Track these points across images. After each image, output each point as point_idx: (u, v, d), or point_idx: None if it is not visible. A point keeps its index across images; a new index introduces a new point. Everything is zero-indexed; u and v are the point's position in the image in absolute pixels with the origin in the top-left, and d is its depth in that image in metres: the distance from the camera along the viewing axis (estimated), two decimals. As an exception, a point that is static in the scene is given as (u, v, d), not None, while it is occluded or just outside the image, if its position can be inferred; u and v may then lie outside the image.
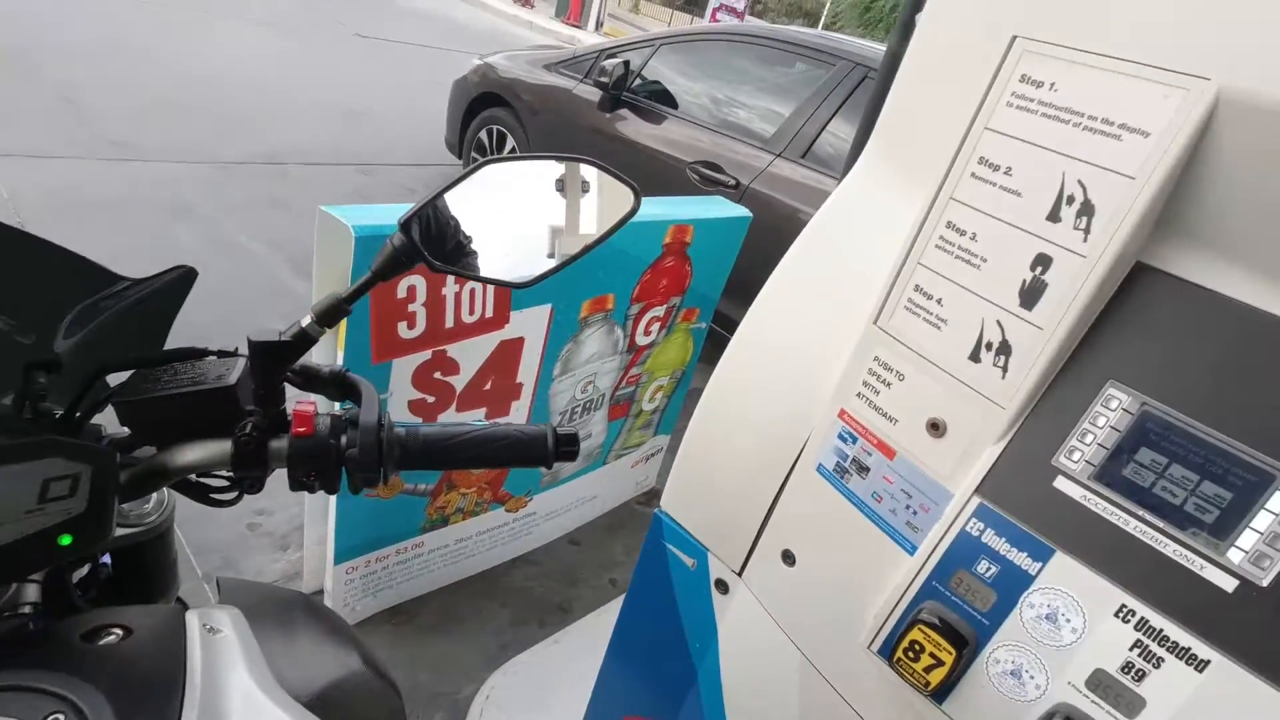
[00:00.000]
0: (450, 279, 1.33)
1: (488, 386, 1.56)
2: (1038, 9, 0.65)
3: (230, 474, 0.58)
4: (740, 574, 1.05)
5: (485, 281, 0.65)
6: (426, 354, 1.39)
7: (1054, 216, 0.64)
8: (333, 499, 1.51)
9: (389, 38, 8.62)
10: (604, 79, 3.45)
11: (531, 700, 1.71)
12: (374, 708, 0.59)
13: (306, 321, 0.56)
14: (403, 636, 1.77)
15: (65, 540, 0.47)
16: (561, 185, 0.72)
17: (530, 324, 1.56)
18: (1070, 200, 0.63)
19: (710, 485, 1.08)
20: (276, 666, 0.51)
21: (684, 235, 1.78)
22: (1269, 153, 0.54)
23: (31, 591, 0.59)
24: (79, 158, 3.59)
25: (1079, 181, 0.62)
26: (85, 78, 4.48)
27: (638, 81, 3.54)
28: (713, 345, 2.49)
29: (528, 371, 1.63)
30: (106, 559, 0.73)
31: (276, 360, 0.56)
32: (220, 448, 0.55)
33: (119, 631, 0.50)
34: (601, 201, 0.68)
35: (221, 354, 0.58)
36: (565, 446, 0.61)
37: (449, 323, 1.38)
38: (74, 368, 0.53)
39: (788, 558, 0.94)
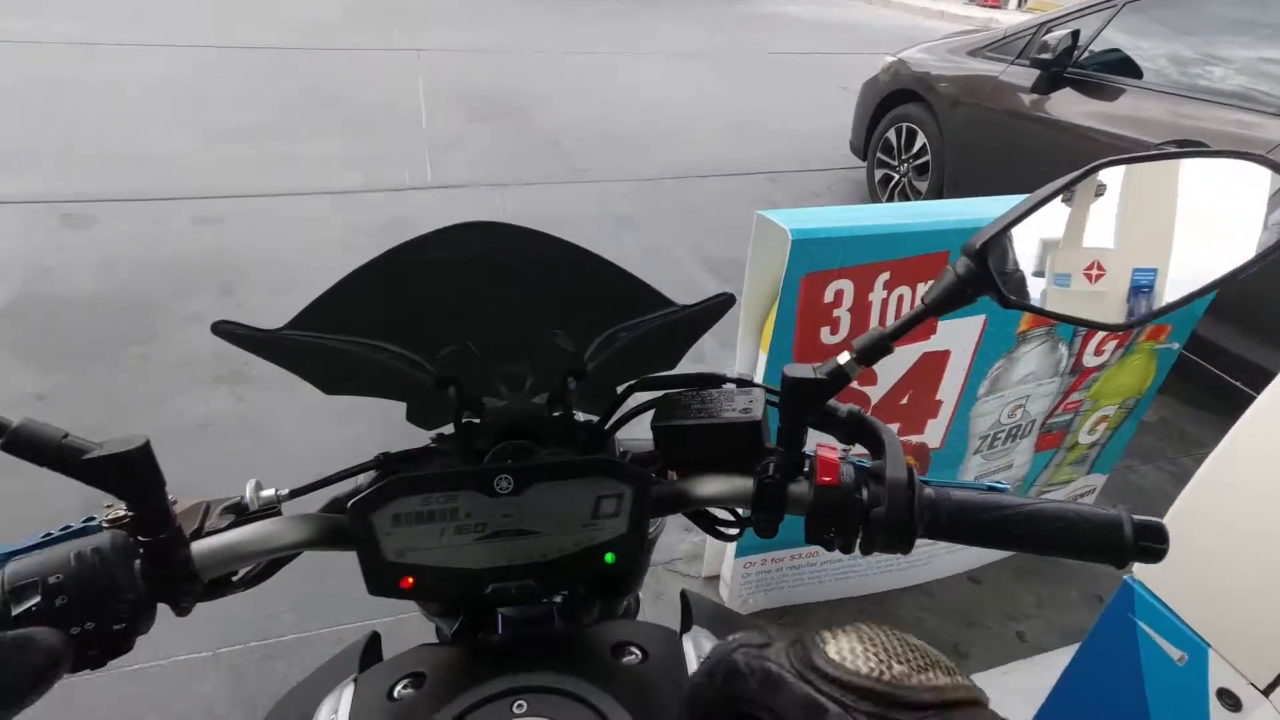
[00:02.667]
0: (879, 284, 1.27)
1: (904, 401, 1.45)
2: None
3: (740, 512, 0.56)
4: (1267, 693, 0.78)
5: (1070, 321, 0.53)
6: (843, 357, 1.35)
7: None
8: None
9: (801, 51, 8.87)
10: (1044, 54, 2.99)
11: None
12: None
13: (845, 359, 0.49)
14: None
15: (610, 558, 0.50)
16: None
17: (959, 336, 1.40)
18: None
19: (1222, 566, 0.82)
20: None
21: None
22: None
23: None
24: (551, 183, 4.48)
25: None
26: (558, 121, 5.56)
27: (1085, 54, 2.99)
28: (1178, 375, 1.97)
29: (950, 388, 1.48)
30: None
31: (808, 398, 0.49)
32: (741, 485, 0.52)
33: (638, 652, 0.51)
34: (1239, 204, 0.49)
35: (740, 383, 0.56)
36: (1148, 541, 0.45)
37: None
38: (599, 380, 0.56)
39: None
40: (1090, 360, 1.61)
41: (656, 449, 0.55)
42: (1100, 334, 1.56)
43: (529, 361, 0.53)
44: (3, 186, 3.79)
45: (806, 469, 0.51)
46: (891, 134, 4.02)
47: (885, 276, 1.27)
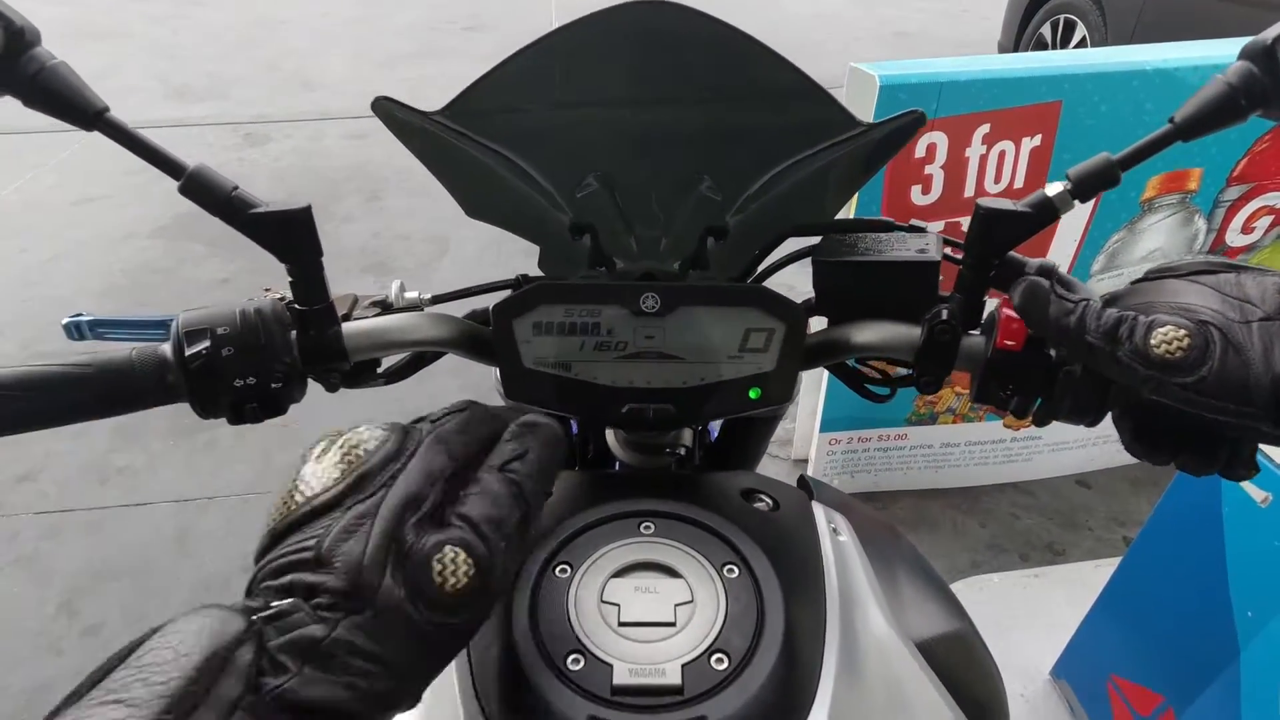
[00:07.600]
0: (977, 137, 1.21)
1: (1002, 271, 1.39)
2: None
3: (896, 368, 0.51)
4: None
5: None
6: (938, 225, 1.31)
7: None
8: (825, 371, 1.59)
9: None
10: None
11: (994, 623, 1.55)
12: (980, 679, 0.49)
13: (1055, 191, 0.41)
14: (874, 522, 1.80)
15: (754, 394, 0.46)
16: None
17: (1069, 201, 1.32)
18: None
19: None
20: (884, 595, 0.46)
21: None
22: None
23: (686, 436, 0.60)
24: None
25: None
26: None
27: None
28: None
29: (1058, 259, 1.40)
30: (715, 424, 0.73)
31: (1005, 235, 0.42)
32: (906, 334, 0.46)
33: (769, 500, 0.49)
34: None
35: (912, 229, 0.50)
36: None
37: (969, 190, 1.26)
38: (740, 242, 0.52)
39: None
40: (1235, 239, 1.45)
41: (815, 287, 0.50)
42: (1249, 207, 1.40)
43: (667, 219, 0.51)
44: (208, 109, 4.39)
45: (980, 329, 0.46)
46: (1046, 29, 3.63)
47: (985, 129, 1.21)
